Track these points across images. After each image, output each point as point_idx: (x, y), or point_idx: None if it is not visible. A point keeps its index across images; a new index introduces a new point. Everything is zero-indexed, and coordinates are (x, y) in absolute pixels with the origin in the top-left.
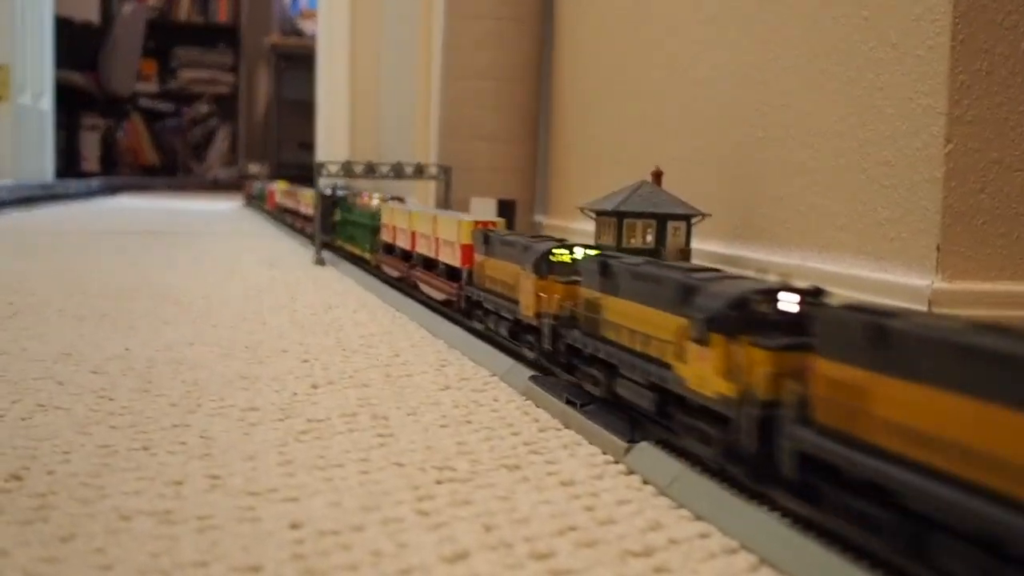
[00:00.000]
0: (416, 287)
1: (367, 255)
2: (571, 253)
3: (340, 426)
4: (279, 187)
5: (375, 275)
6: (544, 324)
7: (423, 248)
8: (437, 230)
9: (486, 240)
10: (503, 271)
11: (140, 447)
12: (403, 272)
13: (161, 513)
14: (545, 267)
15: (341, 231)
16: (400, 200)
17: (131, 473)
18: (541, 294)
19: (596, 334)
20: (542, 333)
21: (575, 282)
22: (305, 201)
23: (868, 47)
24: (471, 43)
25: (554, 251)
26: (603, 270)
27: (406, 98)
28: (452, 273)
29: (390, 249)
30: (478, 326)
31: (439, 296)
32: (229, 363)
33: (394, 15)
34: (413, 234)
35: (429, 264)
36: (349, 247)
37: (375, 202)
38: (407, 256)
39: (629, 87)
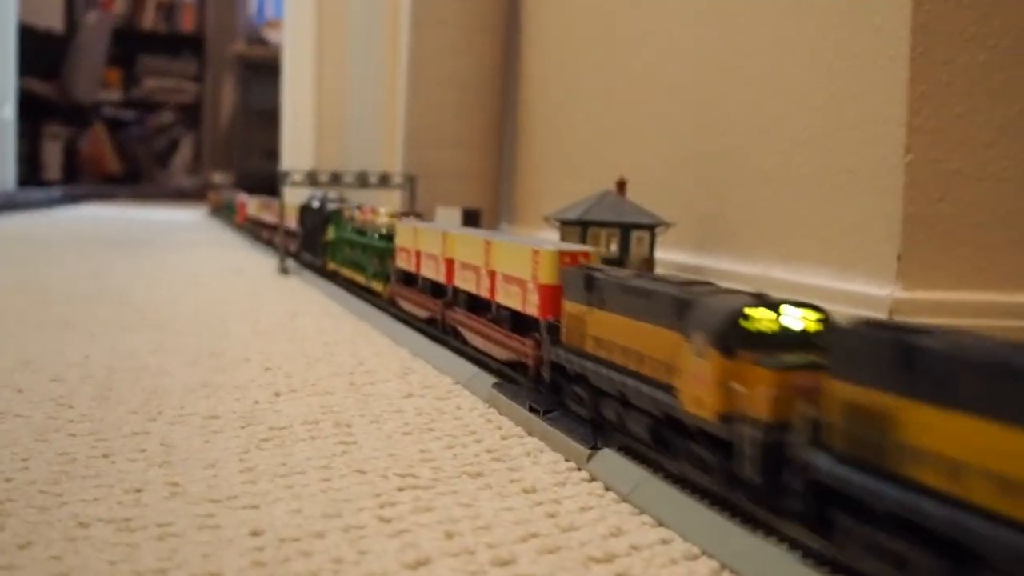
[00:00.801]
0: (455, 334)
1: (375, 285)
2: (777, 315)
3: (302, 433)
4: (254, 200)
5: (346, 287)
6: (743, 435)
7: (467, 283)
8: (493, 260)
9: (590, 283)
10: (628, 332)
11: (99, 455)
12: (434, 312)
13: (120, 520)
14: (736, 339)
15: (336, 253)
16: (416, 216)
17: (90, 480)
18: (733, 384)
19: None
20: (740, 450)
21: (807, 368)
22: (291, 216)
23: (831, 57)
24: (437, 51)
25: (749, 313)
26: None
27: (372, 106)
28: (519, 322)
29: (410, 280)
30: (580, 411)
31: (500, 354)
32: (191, 371)
33: (360, 24)
34: (450, 263)
35: (476, 305)
36: (347, 273)
37: (383, 218)
38: (438, 291)
39: (594, 96)
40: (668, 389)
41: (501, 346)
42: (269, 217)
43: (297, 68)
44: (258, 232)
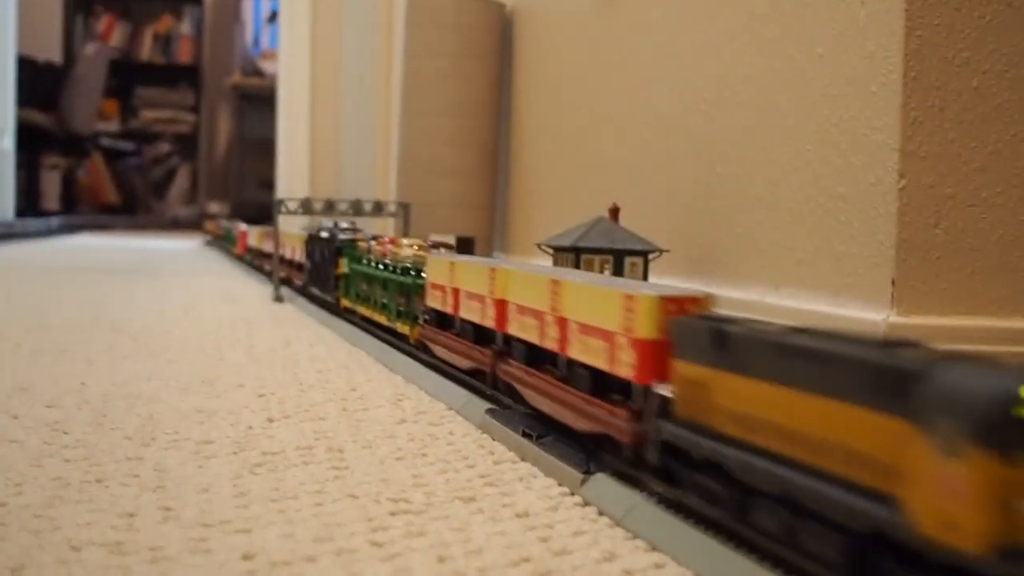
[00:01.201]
0: (509, 391)
1: (399, 326)
2: None
3: (295, 459)
4: (255, 229)
5: (339, 313)
6: None
7: (526, 331)
8: (565, 305)
9: (721, 339)
10: (795, 411)
11: (93, 479)
12: (481, 362)
13: (112, 544)
14: (1017, 434)
15: (350, 288)
16: (447, 247)
17: (83, 505)
18: (1015, 501)
19: None
20: None
21: None
22: (296, 246)
23: (823, 83)
24: (430, 80)
25: None
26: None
27: (366, 135)
28: (601, 383)
29: (445, 322)
30: (713, 512)
31: (582, 425)
32: (185, 397)
33: (354, 53)
34: (501, 304)
35: (538, 356)
36: (365, 311)
37: (408, 250)
38: (483, 337)
39: (587, 124)
40: (882, 498)
41: (579, 414)
42: (273, 247)
43: (292, 99)
44: (260, 263)
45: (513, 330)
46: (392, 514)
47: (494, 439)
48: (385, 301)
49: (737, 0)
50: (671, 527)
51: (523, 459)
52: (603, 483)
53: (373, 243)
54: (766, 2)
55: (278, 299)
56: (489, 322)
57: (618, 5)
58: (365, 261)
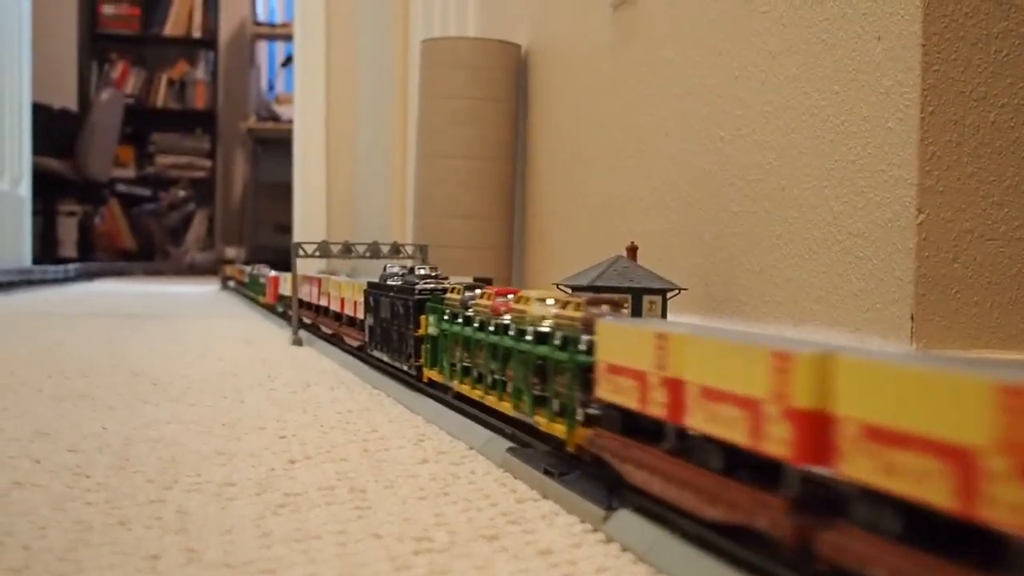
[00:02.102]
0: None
1: (542, 422)
2: None
3: (317, 499)
4: (286, 277)
5: (362, 357)
6: None
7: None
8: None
9: None
10: None
11: (116, 522)
12: (760, 516)
13: None
14: None
15: (439, 357)
16: (617, 307)
17: (107, 548)
18: None
19: None
20: None
21: None
22: (351, 298)
23: (839, 120)
24: (446, 122)
25: None
26: None
27: (382, 178)
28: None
29: (639, 426)
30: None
31: None
32: (206, 440)
33: (369, 96)
34: (807, 419)
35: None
36: (470, 391)
37: (542, 307)
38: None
39: (603, 163)
40: None
41: None
42: (296, 292)
43: (308, 143)
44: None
45: (848, 467)
46: (416, 553)
47: (516, 477)
48: (510, 381)
49: (752, 38)
50: (695, 562)
51: (545, 496)
52: (626, 519)
53: (475, 296)
54: (781, 40)
55: (297, 342)
56: (770, 445)
57: (633, 44)
58: (466, 320)
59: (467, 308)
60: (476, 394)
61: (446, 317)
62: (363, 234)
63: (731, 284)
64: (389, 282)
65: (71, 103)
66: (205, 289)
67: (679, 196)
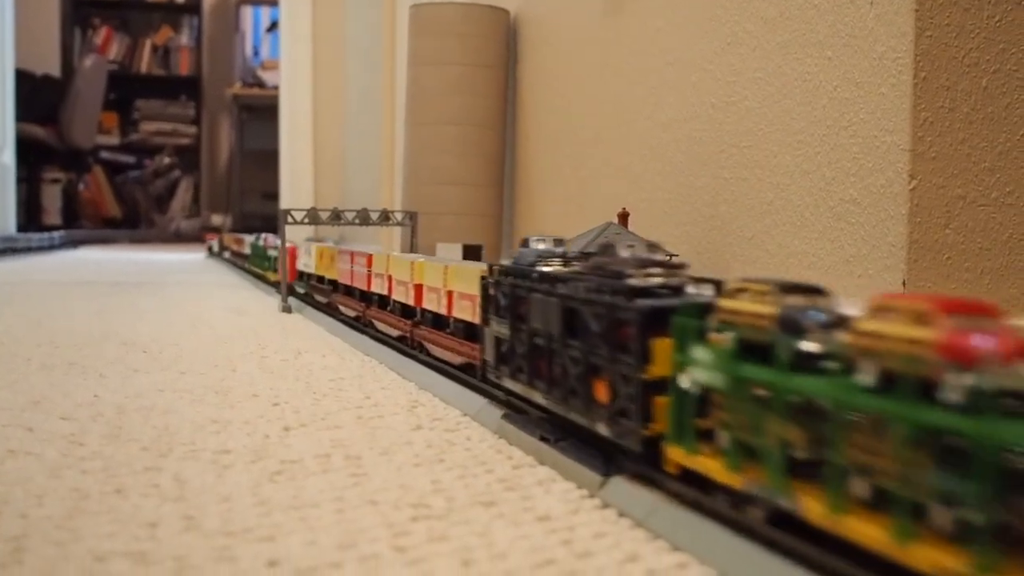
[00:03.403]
0: None
1: None
2: None
3: (314, 467)
4: (314, 246)
5: (354, 325)
6: None
7: None
8: None
9: None
10: None
11: (112, 490)
12: None
13: (136, 554)
14: None
15: (727, 428)
16: None
17: (104, 516)
18: None
19: None
20: None
21: None
22: (461, 287)
23: (832, 86)
24: (435, 89)
25: None
26: None
27: (370, 145)
28: None
29: None
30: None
31: None
32: (200, 408)
33: (356, 63)
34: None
35: None
36: (856, 530)
37: None
38: None
39: (593, 131)
40: None
41: None
42: (368, 280)
43: (295, 110)
44: (335, 301)
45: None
46: (413, 520)
47: (511, 444)
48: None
49: (745, 4)
50: (693, 527)
51: (542, 463)
52: (622, 486)
53: (835, 315)
54: (774, 6)
55: (286, 309)
56: None
57: (623, 12)
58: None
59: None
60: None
61: (726, 355)
62: (351, 201)
63: (723, 251)
64: (543, 267)
65: (54, 70)
66: (192, 257)
67: (670, 163)
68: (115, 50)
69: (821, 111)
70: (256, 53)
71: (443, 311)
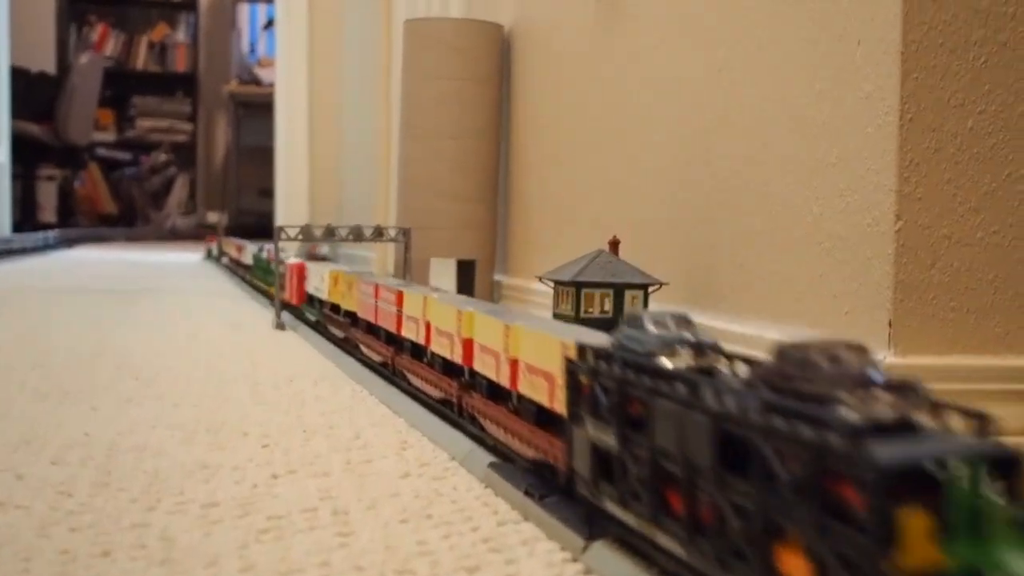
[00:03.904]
0: None
1: None
2: None
3: (301, 523)
4: (325, 269)
5: (346, 349)
6: None
7: None
8: None
9: None
10: None
11: (100, 552)
12: None
13: None
14: None
15: None
16: None
17: None
18: None
19: None
20: None
21: None
22: (497, 344)
23: (820, 120)
24: (430, 102)
25: None
26: None
27: (366, 153)
28: None
29: None
30: None
31: None
32: (190, 449)
33: (353, 71)
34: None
35: None
36: None
37: None
38: None
39: (586, 148)
40: None
41: None
42: (357, 308)
43: (290, 115)
44: (357, 341)
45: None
46: None
47: (497, 494)
48: None
49: (736, 31)
50: None
51: (526, 519)
52: (604, 552)
53: None
54: (766, 33)
55: (280, 326)
56: None
57: (616, 30)
58: None
59: None
60: None
61: None
62: (347, 208)
63: (711, 277)
64: (669, 359)
65: (50, 67)
66: (189, 259)
67: (662, 184)
68: (111, 47)
69: (810, 144)
70: (252, 50)
71: (504, 382)
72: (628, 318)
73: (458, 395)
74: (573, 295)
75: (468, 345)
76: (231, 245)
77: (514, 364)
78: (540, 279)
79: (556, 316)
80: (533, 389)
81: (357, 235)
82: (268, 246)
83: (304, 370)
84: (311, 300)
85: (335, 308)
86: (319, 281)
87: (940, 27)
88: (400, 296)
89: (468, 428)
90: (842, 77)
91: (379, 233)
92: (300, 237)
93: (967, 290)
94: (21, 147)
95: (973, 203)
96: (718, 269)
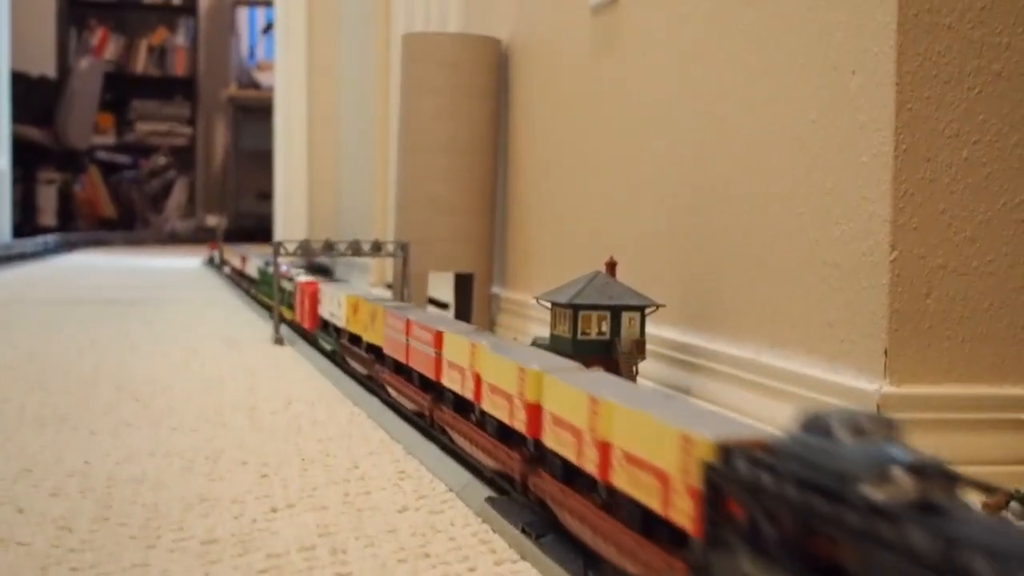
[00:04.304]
0: None
1: None
2: None
3: (299, 563)
4: (340, 292)
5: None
6: None
7: None
8: None
9: None
10: None
11: None
12: None
13: None
14: None
15: None
16: None
17: None
18: None
19: None
20: None
21: None
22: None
23: (816, 149)
24: (428, 117)
25: None
26: None
27: (364, 164)
28: None
29: None
30: None
31: None
32: (189, 480)
33: (349, 83)
34: None
35: None
36: None
37: None
38: None
39: (584, 165)
40: None
41: None
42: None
43: (289, 120)
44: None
45: None
46: None
47: (493, 530)
48: None
49: (732, 55)
50: None
51: (523, 557)
52: None
53: None
54: (761, 61)
55: (278, 341)
56: None
57: (613, 49)
58: None
59: None
60: None
61: None
62: (345, 216)
63: (710, 298)
64: (880, 490)
65: (50, 71)
66: (188, 265)
67: (659, 204)
68: (111, 51)
69: (805, 171)
70: (252, 54)
71: (590, 468)
72: (808, 420)
73: (522, 472)
74: (570, 317)
75: (535, 413)
76: (234, 254)
77: (605, 448)
78: (537, 300)
79: (553, 337)
80: (636, 486)
81: (355, 250)
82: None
83: (301, 391)
84: (325, 326)
85: (354, 338)
86: (335, 306)
87: (934, 58)
88: (439, 337)
89: (465, 459)
90: (836, 106)
91: (377, 248)
92: (299, 252)
93: (962, 319)
94: (21, 151)
95: (968, 233)
96: (714, 292)
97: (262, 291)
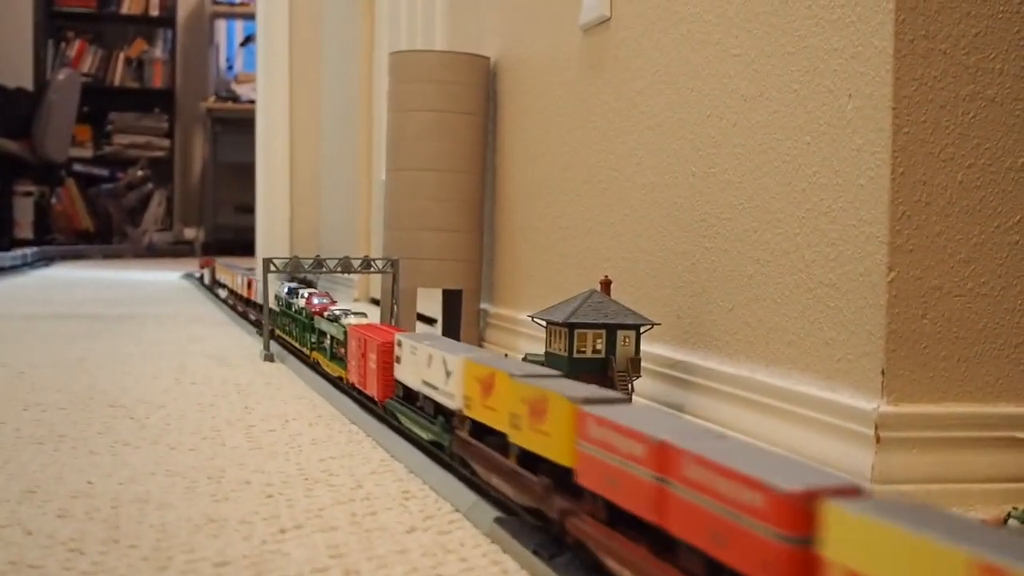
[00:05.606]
0: None
1: None
2: None
3: None
4: (466, 362)
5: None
6: None
7: None
8: None
9: None
10: None
11: None
12: None
13: None
14: None
15: None
16: None
17: None
18: None
19: None
20: None
21: None
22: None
23: (812, 171)
24: (415, 135)
25: None
26: None
27: (347, 179)
28: None
29: None
30: None
31: None
32: (194, 500)
33: (331, 99)
34: None
35: None
36: None
37: None
38: None
39: (575, 184)
40: None
41: None
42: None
43: (270, 133)
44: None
45: None
46: None
47: (504, 551)
48: None
49: (724, 80)
50: None
51: None
52: None
53: None
54: (753, 85)
55: (268, 358)
56: None
57: (604, 70)
58: None
59: None
60: None
61: None
62: (326, 233)
63: (703, 319)
64: None
65: (27, 83)
66: (167, 278)
67: (652, 226)
68: (89, 62)
69: (800, 193)
70: (230, 67)
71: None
72: None
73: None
74: (566, 335)
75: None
76: (231, 274)
77: None
78: (533, 319)
79: (549, 355)
80: None
81: (346, 267)
82: (308, 292)
83: (298, 410)
84: (409, 396)
85: (477, 428)
86: (438, 372)
87: (930, 83)
88: (664, 459)
89: (468, 477)
90: (832, 130)
91: (367, 265)
92: (288, 269)
93: (958, 339)
94: None
95: (963, 254)
96: (709, 311)
97: (284, 329)
